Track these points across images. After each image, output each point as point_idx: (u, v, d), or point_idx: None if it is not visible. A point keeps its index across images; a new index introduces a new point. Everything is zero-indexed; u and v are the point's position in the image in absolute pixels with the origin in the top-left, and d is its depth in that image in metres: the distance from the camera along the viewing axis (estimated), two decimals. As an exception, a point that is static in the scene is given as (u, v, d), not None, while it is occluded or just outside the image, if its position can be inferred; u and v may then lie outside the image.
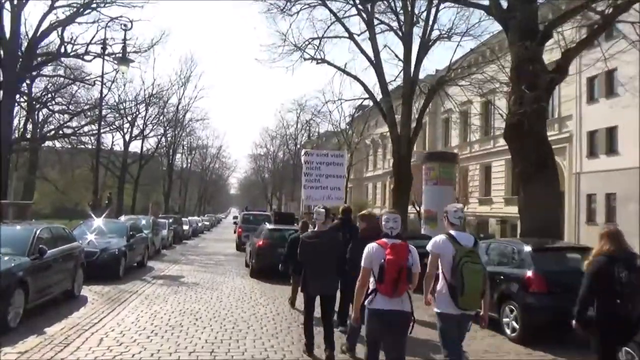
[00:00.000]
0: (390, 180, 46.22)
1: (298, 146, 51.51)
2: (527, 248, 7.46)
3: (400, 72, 20.89)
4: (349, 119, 36.71)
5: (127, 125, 37.44)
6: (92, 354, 5.62)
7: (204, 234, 42.09)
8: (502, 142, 31.08)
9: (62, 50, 25.64)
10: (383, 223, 4.33)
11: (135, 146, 41.24)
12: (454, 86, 21.07)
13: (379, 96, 22.07)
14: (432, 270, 4.41)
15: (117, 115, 34.42)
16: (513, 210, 29.21)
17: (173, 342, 6.18)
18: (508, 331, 7.12)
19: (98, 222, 13.55)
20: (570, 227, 24.36)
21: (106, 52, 23.33)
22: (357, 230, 6.53)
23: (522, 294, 6.96)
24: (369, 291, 4.18)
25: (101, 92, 20.17)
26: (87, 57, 25.48)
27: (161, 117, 38.40)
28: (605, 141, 22.89)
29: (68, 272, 8.52)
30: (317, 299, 5.82)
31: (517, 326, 6.95)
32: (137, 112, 36.89)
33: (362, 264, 4.23)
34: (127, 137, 38.43)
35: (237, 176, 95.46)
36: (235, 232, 27.90)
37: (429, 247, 4.44)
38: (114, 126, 34.50)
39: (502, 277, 7.42)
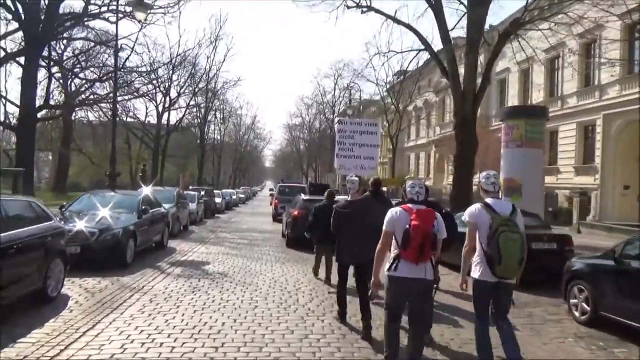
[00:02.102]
0: (436, 150, 42.92)
1: (336, 114, 48.33)
2: None
3: (463, 17, 17.47)
4: (396, 80, 33.11)
5: (160, 96, 35.24)
6: None
7: (239, 208, 39.86)
8: (571, 103, 27.16)
9: (86, 10, 23.78)
10: (408, 190, 4.23)
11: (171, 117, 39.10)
12: (531, 31, 17.51)
13: (435, 48, 18.79)
14: (471, 242, 4.25)
15: (146, 80, 32.20)
16: (586, 181, 25.38)
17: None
18: None
19: (104, 194, 11.02)
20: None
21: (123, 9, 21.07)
22: (388, 202, 6.24)
23: None
24: (392, 258, 4.07)
25: (116, 47, 17.48)
26: (111, 19, 23.58)
27: (190, 81, 35.72)
28: None
29: (35, 264, 5.88)
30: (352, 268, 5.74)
31: None
32: (169, 81, 34.36)
33: (384, 227, 4.10)
34: (160, 108, 36.29)
35: (272, 148, 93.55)
36: (272, 204, 28.48)
37: (465, 218, 4.34)
38: (140, 93, 32.26)
39: None
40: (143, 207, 10.38)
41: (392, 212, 4.10)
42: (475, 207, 4.25)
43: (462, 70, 16.95)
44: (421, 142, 46.88)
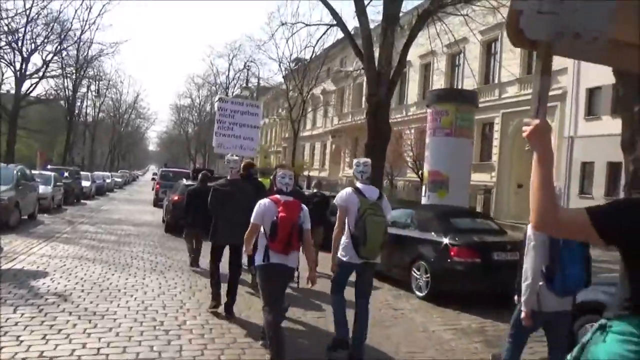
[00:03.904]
0: (332, 140, 41.66)
1: (230, 97, 45.00)
2: None
3: (380, -7, 15.72)
4: (298, 64, 30.93)
5: (20, 60, 28.81)
6: None
7: (114, 193, 34.93)
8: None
9: None
10: (278, 179, 4.21)
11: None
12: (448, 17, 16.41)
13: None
14: (340, 225, 4.45)
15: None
16: (482, 178, 25.32)
17: None
18: None
19: None
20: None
21: None
22: (261, 187, 6.48)
23: None
24: (261, 250, 4.07)
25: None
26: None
27: (54, 41, 29.85)
28: (611, 100, 19.23)
29: None
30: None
31: None
32: (29, 40, 28.17)
33: (252, 219, 4.11)
34: (19, 74, 29.78)
35: (157, 129, 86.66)
36: (153, 189, 27.70)
37: (336, 201, 4.53)
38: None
39: None
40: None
41: (260, 204, 4.10)
42: (346, 191, 4.48)
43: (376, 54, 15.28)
44: (317, 132, 45.48)
